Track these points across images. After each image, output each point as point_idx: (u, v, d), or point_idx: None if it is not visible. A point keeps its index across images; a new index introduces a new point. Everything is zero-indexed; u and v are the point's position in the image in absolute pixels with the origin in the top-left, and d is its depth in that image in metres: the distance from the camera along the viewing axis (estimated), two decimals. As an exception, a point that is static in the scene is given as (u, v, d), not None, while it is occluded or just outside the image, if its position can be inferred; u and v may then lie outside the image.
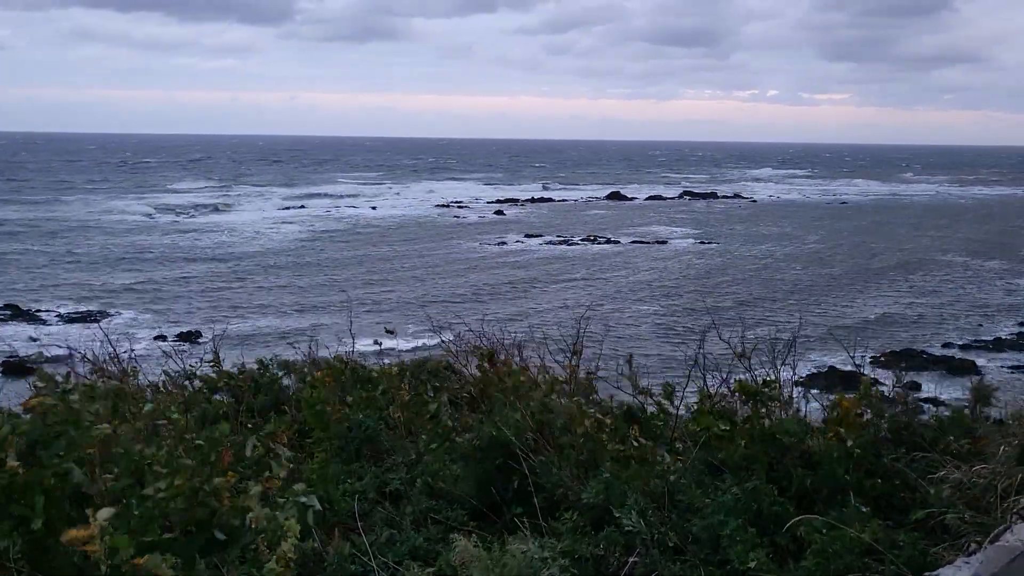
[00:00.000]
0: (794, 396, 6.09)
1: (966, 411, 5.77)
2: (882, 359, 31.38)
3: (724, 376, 5.93)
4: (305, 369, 7.83)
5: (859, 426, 5.38)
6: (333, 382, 7.03)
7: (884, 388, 6.11)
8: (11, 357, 31.08)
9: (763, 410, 5.57)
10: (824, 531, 4.38)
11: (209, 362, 7.90)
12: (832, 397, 5.67)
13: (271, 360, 7.98)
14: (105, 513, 2.96)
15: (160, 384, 7.57)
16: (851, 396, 5.61)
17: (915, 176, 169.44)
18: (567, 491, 5.13)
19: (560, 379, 6.71)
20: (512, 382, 6.47)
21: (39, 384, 3.39)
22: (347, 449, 6.32)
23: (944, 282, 48.57)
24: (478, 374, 7.34)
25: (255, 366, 7.87)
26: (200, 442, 3.36)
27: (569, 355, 6.96)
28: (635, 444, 5.55)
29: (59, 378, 3.43)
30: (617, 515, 4.62)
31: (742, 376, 5.83)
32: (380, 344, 9.01)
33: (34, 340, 33.40)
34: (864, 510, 4.62)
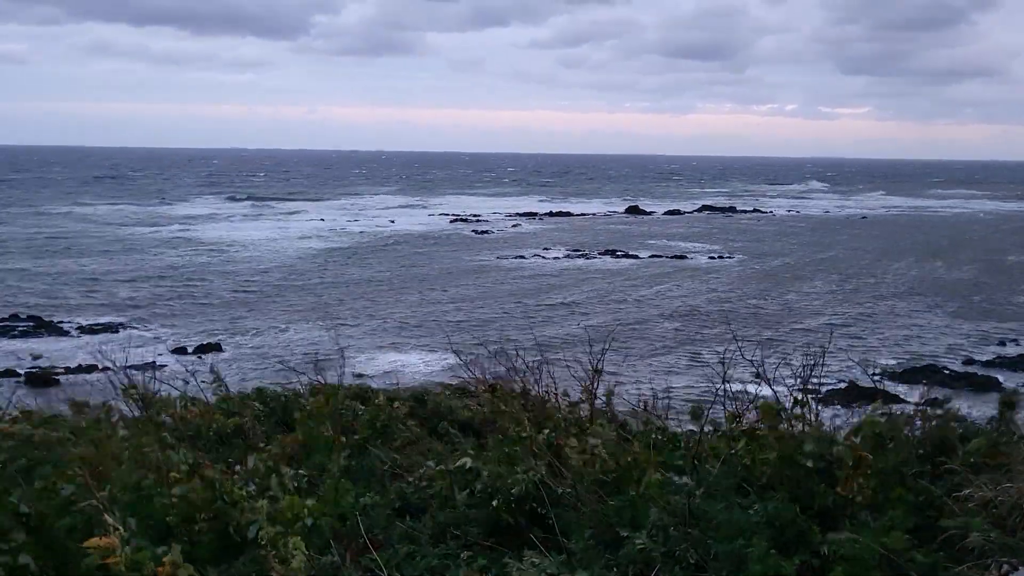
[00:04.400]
0: (818, 413, 6.03)
1: (990, 426, 5.69)
2: (904, 375, 31.20)
3: (747, 394, 5.88)
4: (304, 396, 7.94)
5: (882, 447, 5.31)
6: (326, 408, 7.03)
7: (907, 405, 6.04)
8: (33, 368, 31.42)
9: (785, 427, 5.51)
10: (849, 549, 4.32)
11: (213, 383, 8.11)
12: (855, 412, 5.61)
13: (270, 387, 8.18)
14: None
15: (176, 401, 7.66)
16: (870, 412, 5.55)
17: (938, 191, 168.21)
18: (585, 510, 5.08)
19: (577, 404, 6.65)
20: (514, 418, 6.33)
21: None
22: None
23: (968, 299, 48.08)
24: (487, 398, 7.30)
25: (260, 388, 8.07)
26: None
27: (588, 376, 6.87)
28: (656, 463, 5.50)
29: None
30: (627, 535, 4.57)
31: (766, 395, 5.79)
32: (393, 363, 9.10)
33: (36, 357, 33.81)
34: (889, 528, 4.55)
